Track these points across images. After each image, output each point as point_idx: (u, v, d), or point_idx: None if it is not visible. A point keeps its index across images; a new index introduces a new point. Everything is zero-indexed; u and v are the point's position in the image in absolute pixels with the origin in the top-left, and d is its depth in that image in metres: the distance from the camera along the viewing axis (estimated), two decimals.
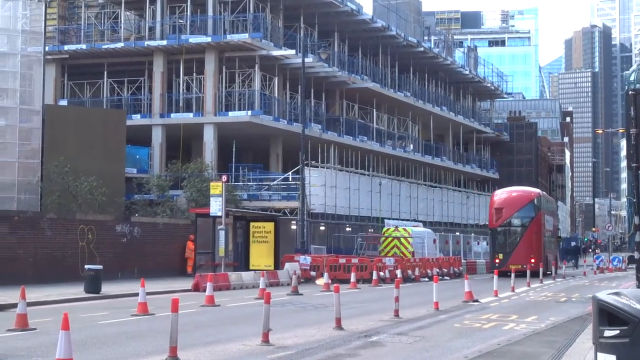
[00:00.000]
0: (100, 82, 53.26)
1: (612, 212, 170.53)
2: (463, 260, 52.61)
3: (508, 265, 46.65)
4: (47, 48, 44.32)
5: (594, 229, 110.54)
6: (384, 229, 49.81)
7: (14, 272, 31.22)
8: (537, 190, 54.83)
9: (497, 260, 48.86)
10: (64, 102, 52.35)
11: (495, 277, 32.48)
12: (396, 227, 49.46)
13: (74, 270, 33.42)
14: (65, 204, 37.93)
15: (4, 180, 38.09)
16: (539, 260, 47.68)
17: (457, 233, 63.73)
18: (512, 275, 36.83)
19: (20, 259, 32.34)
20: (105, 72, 52.86)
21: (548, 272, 49.32)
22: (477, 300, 27.34)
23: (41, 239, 33.21)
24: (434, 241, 52.04)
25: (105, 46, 51.79)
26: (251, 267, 38.78)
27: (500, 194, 52.56)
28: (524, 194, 51.96)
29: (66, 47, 52.42)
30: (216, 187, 34.62)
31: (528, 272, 40.83)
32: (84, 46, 52.24)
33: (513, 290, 33.66)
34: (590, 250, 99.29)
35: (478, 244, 63.88)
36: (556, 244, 59.35)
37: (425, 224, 59.94)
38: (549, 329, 19.16)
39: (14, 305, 20.21)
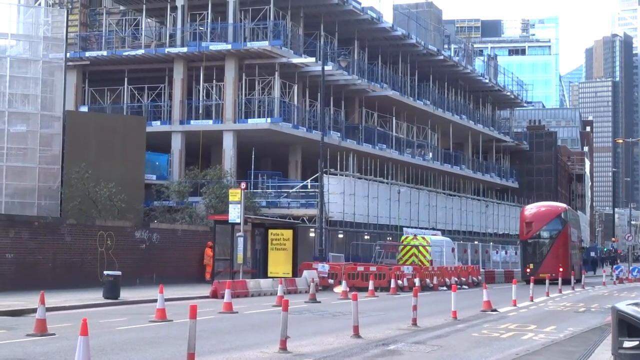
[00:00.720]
0: (120, 89, 53.45)
1: (632, 222, 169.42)
2: (482, 270, 52.55)
3: (538, 274, 49.63)
4: (68, 54, 44.43)
5: (613, 239, 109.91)
6: (403, 237, 49.69)
7: (33, 277, 31.45)
8: (564, 205, 59.32)
9: (528, 270, 52.34)
10: (84, 109, 52.53)
11: (514, 286, 32.34)
12: (415, 235, 49.34)
13: (93, 275, 33.62)
14: (85, 210, 38.09)
15: (25, 185, 38.29)
16: (567, 269, 51.59)
17: (476, 242, 63.47)
18: (547, 282, 40.57)
19: (40, 264, 32.56)
20: (126, 79, 53.09)
21: (575, 281, 50.17)
22: (495, 310, 27.23)
23: (61, 244, 33.41)
24: (453, 250, 51.89)
25: (126, 53, 51.99)
26: (269, 275, 38.82)
27: (530, 209, 56.94)
28: (551, 209, 56.58)
29: (87, 54, 52.65)
30: (235, 194, 34.65)
31: (560, 279, 44.41)
32: (104, 53, 52.45)
33: (532, 300, 33.53)
34: (610, 260, 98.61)
35: (497, 253, 63.65)
36: (580, 254, 62.70)
37: (443, 232, 59.72)
38: (567, 340, 19.03)
39: (34, 310, 20.25)
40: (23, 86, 40.74)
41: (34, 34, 41.14)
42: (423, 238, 48.70)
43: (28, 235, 32.40)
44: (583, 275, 54.65)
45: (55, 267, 33.00)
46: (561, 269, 49.63)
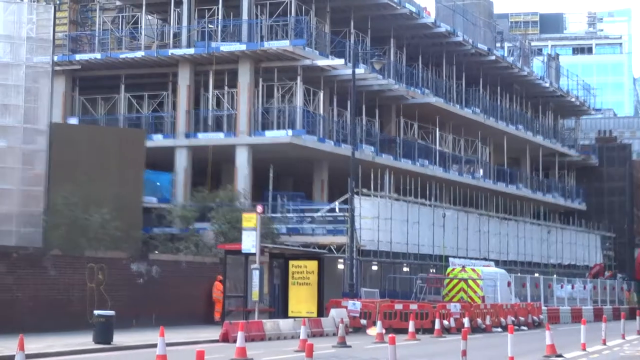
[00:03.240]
0: (116, 97, 53.60)
1: None
2: (543, 307, 52.24)
3: None
4: (55, 58, 44.58)
5: None
6: (449, 269, 49.47)
7: (11, 318, 31.39)
8: None
9: None
10: (74, 120, 52.72)
11: (583, 327, 31.72)
12: (463, 267, 49.13)
13: (81, 316, 33.41)
14: (73, 239, 37.96)
15: (2, 210, 38.14)
16: None
17: (536, 274, 62.92)
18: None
19: (19, 303, 32.48)
20: (123, 86, 53.19)
21: None
22: (560, 355, 26.87)
23: (44, 279, 33.37)
24: (509, 284, 51.57)
25: (123, 55, 52.08)
26: (290, 314, 38.84)
27: None
28: None
29: (78, 57, 52.76)
30: (250, 219, 34.66)
31: None
32: (98, 55, 52.56)
33: (604, 343, 33.05)
34: None
35: (562, 287, 62.99)
36: None
37: (497, 263, 59.31)
38: None
39: (11, 358, 20.07)
40: (3, 95, 40.64)
41: (15, 34, 41.06)
42: (473, 270, 48.48)
43: (5, 268, 32.29)
44: None
45: (37, 306, 32.85)
46: None
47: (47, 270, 33.51)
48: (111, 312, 28.88)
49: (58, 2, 54.05)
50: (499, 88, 73.13)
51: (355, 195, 45.47)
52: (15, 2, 41.54)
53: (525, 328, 44.77)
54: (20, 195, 38.70)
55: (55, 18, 43.51)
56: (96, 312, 29.00)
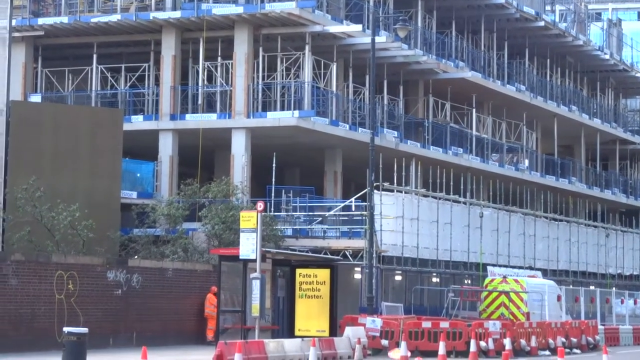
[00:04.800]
0: (87, 70, 53.57)
1: None
2: (600, 326, 52.06)
3: None
4: (14, 22, 44.78)
5: None
6: (487, 280, 49.61)
7: None
8: None
9: None
10: (36, 98, 52.79)
11: None
12: (504, 277, 49.14)
13: (48, 333, 33.67)
14: (38, 242, 38.27)
15: None
16: None
17: (592, 287, 63.01)
18: None
19: None
20: (95, 56, 53.28)
21: None
22: None
23: (3, 290, 33.43)
24: (559, 298, 51.69)
25: (95, 19, 52.14)
26: (297, 333, 38.76)
27: None
28: None
29: (40, 21, 52.76)
30: (248, 219, 34.64)
31: None
32: (65, 19, 52.59)
33: None
34: None
35: (622, 302, 63.13)
36: None
37: (545, 273, 59.48)
38: None
39: None
40: None
41: None
42: (516, 281, 48.52)
43: None
44: None
45: None
46: None
47: (7, 278, 33.54)
48: (84, 330, 28.81)
49: None
50: (548, 61, 73.26)
51: (375, 190, 45.54)
52: None
53: (578, 351, 44.73)
54: None
55: None
56: (66, 329, 28.88)
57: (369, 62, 48.23)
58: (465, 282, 53.24)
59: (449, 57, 60.53)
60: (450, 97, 61.97)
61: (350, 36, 51.92)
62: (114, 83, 53.85)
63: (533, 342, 41.96)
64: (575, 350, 44.34)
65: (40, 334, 33.86)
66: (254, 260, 34.47)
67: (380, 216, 46.85)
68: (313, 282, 39.98)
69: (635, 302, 65.35)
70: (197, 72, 51.79)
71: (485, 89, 63.65)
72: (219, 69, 51.53)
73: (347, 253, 47.06)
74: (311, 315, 39.60)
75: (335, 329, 39.04)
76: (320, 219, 49.46)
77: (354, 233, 47.77)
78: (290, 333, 38.89)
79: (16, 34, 48.03)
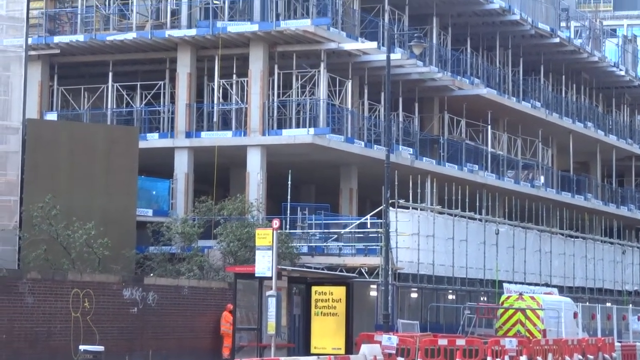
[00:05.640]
0: (102, 88, 53.74)
1: None
2: (617, 343, 51.94)
3: None
4: (30, 40, 44.89)
5: None
6: (503, 298, 49.46)
7: None
8: None
9: None
10: (52, 116, 52.97)
11: None
12: (520, 294, 49.06)
13: (64, 351, 33.76)
14: (54, 260, 38.32)
15: None
16: None
17: (609, 304, 62.85)
18: None
19: None
20: (111, 74, 53.44)
21: None
22: None
23: (19, 308, 33.48)
24: (575, 315, 51.50)
25: (111, 37, 52.27)
26: (313, 350, 38.63)
27: None
28: None
29: (56, 39, 52.92)
30: (264, 236, 34.58)
31: None
32: (80, 37, 52.74)
33: None
34: None
35: (639, 319, 62.94)
36: None
37: (562, 290, 59.34)
38: None
39: None
40: None
41: None
42: (532, 298, 48.41)
43: None
44: None
45: (12, 339, 33.03)
46: None
47: (23, 297, 33.62)
48: (100, 348, 28.99)
49: None
50: (563, 77, 73.21)
51: (391, 208, 45.59)
52: None
53: None
54: None
55: None
56: (82, 347, 29.11)
57: (384, 79, 48.26)
58: (481, 299, 53.16)
59: (464, 74, 60.54)
60: (465, 113, 62.05)
61: (365, 53, 51.94)
62: (130, 101, 53.95)
63: (549, 359, 41.96)
64: None
65: (56, 352, 33.91)
66: (270, 278, 34.40)
67: (395, 233, 46.85)
68: (329, 299, 39.87)
69: None
70: (213, 89, 51.89)
71: (501, 105, 63.63)
72: (234, 86, 51.60)
73: (363, 270, 47.05)
74: (327, 332, 39.47)
75: (351, 347, 38.91)
76: (336, 236, 49.43)
77: (370, 250, 47.76)
78: (306, 351, 38.79)
79: (32, 53, 48.14)
